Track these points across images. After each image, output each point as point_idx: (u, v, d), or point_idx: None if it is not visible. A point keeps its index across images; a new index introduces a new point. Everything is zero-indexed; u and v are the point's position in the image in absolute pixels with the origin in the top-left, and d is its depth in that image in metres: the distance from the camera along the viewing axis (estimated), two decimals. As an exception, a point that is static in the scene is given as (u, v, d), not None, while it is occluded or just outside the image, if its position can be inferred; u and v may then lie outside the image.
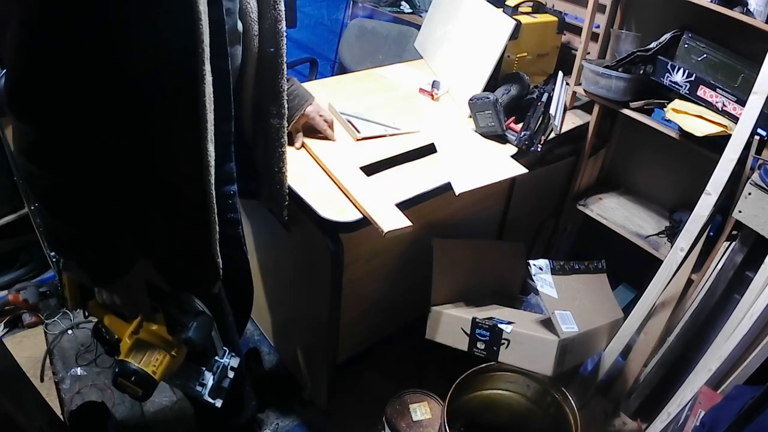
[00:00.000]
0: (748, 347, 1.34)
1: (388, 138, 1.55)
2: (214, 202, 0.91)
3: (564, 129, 1.74)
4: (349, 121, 1.57)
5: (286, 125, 1.13)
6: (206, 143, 0.83)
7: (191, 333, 0.96)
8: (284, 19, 1.01)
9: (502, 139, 1.61)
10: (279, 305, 1.77)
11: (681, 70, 1.47)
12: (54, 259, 1.10)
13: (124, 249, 0.90)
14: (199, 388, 1.04)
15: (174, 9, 0.72)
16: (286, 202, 1.22)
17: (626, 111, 1.64)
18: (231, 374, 1.08)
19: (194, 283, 1.02)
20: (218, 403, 1.05)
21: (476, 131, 1.63)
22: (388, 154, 1.48)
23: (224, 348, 1.09)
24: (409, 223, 1.22)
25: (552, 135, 1.69)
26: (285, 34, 1.02)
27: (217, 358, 1.07)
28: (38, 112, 0.75)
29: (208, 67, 0.78)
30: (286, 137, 1.15)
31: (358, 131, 1.54)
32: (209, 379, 1.05)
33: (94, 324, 1.04)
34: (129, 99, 0.77)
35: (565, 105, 1.81)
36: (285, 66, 1.06)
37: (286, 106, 1.11)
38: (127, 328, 0.98)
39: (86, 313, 1.03)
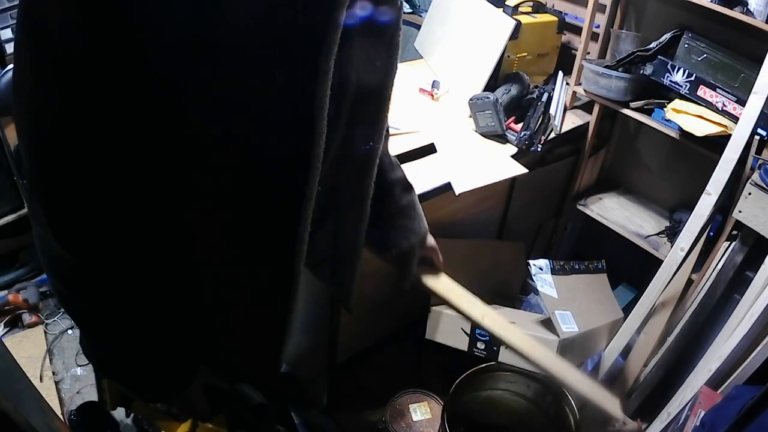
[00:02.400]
0: (748, 347, 1.33)
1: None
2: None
3: (564, 129, 1.74)
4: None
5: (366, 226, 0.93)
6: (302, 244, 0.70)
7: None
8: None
9: (502, 139, 1.61)
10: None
11: (681, 70, 1.47)
12: (95, 373, 0.99)
13: (181, 365, 0.77)
14: None
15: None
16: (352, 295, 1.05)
17: (626, 111, 1.64)
18: None
19: (255, 378, 0.92)
20: None
21: (476, 131, 1.63)
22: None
23: (279, 428, 1.04)
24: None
25: (552, 135, 1.69)
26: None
27: None
28: (84, 244, 0.62)
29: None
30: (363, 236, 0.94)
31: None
32: None
33: (133, 418, 0.93)
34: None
35: (565, 105, 1.81)
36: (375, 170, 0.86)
37: (369, 211, 0.90)
38: (178, 425, 0.90)
39: (129, 413, 0.94)
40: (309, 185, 0.66)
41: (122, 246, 0.64)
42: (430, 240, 1.06)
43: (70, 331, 1.94)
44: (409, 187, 1.01)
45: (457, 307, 1.11)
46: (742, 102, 1.37)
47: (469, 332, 1.50)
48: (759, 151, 1.41)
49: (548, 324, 1.47)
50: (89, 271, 0.64)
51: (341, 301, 1.05)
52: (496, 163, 1.51)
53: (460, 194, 1.37)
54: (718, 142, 1.41)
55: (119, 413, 1.67)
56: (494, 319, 1.13)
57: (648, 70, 1.56)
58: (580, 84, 1.75)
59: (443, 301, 1.11)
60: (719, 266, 1.52)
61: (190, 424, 0.89)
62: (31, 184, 0.61)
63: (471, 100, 1.59)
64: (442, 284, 1.10)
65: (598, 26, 1.75)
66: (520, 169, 1.48)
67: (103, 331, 0.70)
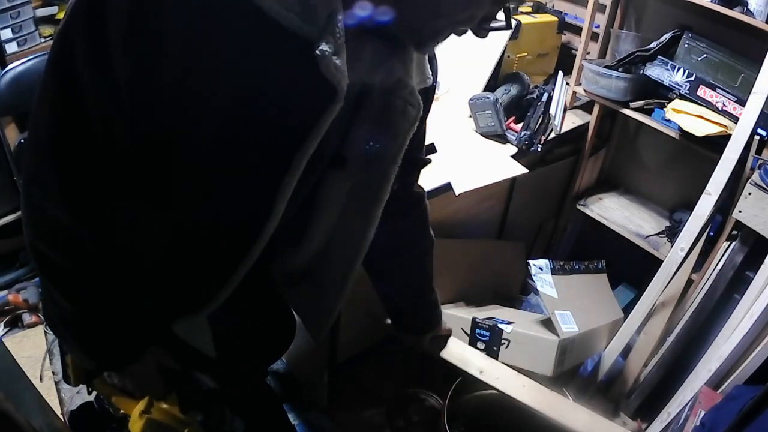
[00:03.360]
0: (748, 347, 1.34)
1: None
2: None
3: (564, 129, 1.74)
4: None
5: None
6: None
7: (201, 417, 0.95)
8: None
9: (502, 139, 1.61)
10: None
11: (681, 70, 1.47)
12: (60, 348, 1.05)
13: (136, 334, 0.83)
14: None
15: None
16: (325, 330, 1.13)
17: (626, 111, 1.64)
18: None
19: (206, 365, 0.98)
20: None
21: (476, 131, 1.63)
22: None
23: (232, 416, 1.06)
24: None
25: (552, 135, 1.69)
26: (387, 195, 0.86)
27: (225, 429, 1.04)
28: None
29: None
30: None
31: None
32: None
33: (95, 398, 0.96)
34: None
35: (565, 105, 1.81)
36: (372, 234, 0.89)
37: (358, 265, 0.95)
38: (135, 404, 0.92)
39: (90, 390, 0.96)
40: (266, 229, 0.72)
41: (113, 226, 0.73)
42: (445, 322, 1.32)
43: (70, 331, 1.94)
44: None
45: (461, 368, 1.32)
46: (742, 102, 1.37)
47: (469, 332, 1.50)
48: (759, 151, 1.41)
49: (548, 324, 1.47)
50: (83, 238, 0.71)
51: (311, 334, 1.14)
52: (496, 163, 1.51)
53: (460, 194, 1.37)
54: (718, 142, 1.41)
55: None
56: (491, 373, 1.32)
57: (648, 70, 1.56)
58: (580, 84, 1.75)
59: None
60: (719, 266, 1.52)
61: (146, 403, 0.92)
62: (50, 161, 0.66)
63: (471, 100, 1.59)
64: (451, 353, 1.32)
65: (598, 26, 1.75)
66: (520, 169, 1.48)
67: (77, 292, 0.75)
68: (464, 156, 1.53)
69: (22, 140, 1.67)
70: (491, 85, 1.71)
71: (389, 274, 1.15)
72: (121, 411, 0.96)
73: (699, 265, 1.58)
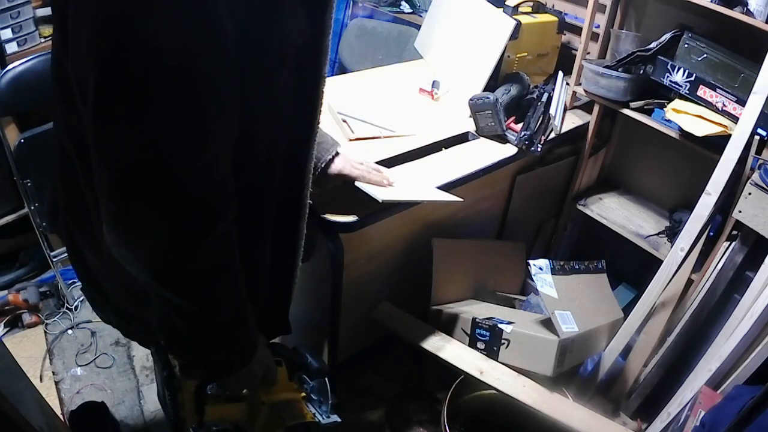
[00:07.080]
0: (748, 347, 1.34)
1: (382, 140, 1.54)
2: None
3: (564, 129, 1.74)
4: (344, 121, 1.57)
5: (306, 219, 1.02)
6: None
7: (318, 364, 0.99)
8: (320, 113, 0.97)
9: (502, 139, 1.61)
10: (279, 305, 1.77)
11: (681, 70, 1.47)
12: (168, 392, 0.94)
13: (253, 321, 0.85)
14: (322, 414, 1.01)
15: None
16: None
17: (626, 111, 1.64)
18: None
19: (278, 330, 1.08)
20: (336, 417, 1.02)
21: (476, 131, 1.63)
22: (381, 156, 1.47)
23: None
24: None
25: (552, 135, 1.69)
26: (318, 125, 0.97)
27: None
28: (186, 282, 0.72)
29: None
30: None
31: (353, 132, 1.53)
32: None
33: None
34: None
35: (565, 105, 1.81)
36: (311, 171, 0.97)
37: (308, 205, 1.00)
38: (243, 408, 0.92)
39: (201, 422, 0.92)
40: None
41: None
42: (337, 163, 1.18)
43: (70, 331, 1.95)
44: None
45: (461, 368, 1.35)
46: (742, 102, 1.37)
47: (469, 332, 1.50)
48: (759, 151, 1.41)
49: (548, 324, 1.47)
50: (227, 233, 0.73)
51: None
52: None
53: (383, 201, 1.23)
54: (718, 142, 1.41)
55: (119, 413, 1.67)
56: (491, 373, 1.35)
57: (648, 70, 1.56)
58: (580, 84, 1.75)
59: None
60: (719, 266, 1.52)
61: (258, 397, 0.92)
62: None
63: (471, 100, 1.59)
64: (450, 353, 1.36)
65: (598, 26, 1.75)
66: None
67: (217, 294, 0.75)
68: (465, 155, 1.53)
69: (22, 140, 1.66)
70: (491, 85, 1.71)
71: None
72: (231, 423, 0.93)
73: (699, 265, 1.58)
